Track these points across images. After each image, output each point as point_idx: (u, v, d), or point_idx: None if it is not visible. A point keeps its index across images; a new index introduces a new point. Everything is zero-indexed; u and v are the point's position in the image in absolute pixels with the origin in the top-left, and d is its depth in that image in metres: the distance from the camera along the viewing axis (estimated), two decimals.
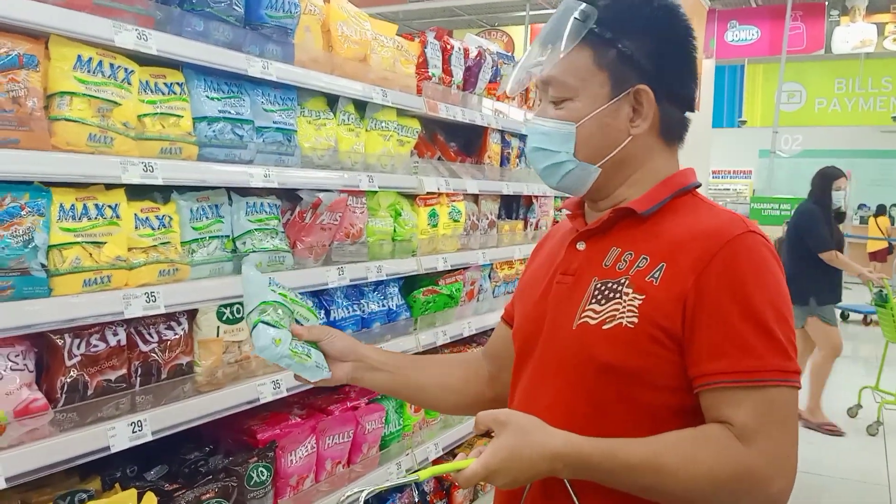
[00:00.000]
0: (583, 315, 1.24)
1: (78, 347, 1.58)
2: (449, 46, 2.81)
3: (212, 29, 1.81)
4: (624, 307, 1.20)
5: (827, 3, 13.77)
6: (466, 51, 2.93)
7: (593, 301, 1.24)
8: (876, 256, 15.04)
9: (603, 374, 1.21)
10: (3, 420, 1.43)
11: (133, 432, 1.65)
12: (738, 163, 17.75)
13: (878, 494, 4.76)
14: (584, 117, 1.25)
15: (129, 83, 1.64)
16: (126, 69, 1.63)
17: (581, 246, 1.33)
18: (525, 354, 1.37)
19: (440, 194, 2.79)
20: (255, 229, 1.98)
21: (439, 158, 2.94)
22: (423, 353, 2.91)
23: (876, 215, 15.25)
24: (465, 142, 3.21)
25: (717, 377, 1.13)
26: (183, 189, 1.85)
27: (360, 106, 2.43)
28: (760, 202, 8.95)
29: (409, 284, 2.72)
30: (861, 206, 16.74)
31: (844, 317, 11.40)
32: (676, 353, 1.17)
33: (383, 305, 2.52)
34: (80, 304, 1.54)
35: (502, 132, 3.27)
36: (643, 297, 1.19)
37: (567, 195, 1.41)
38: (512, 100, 3.38)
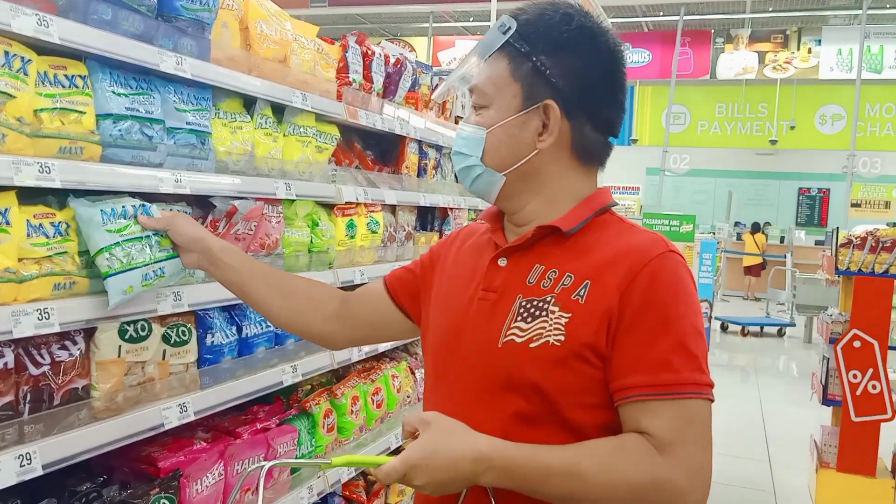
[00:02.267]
0: (508, 333, 1.25)
1: None
2: (370, 52, 2.71)
3: (121, 18, 1.64)
4: (550, 325, 1.22)
5: (713, 30, 14.55)
6: (387, 57, 2.84)
7: (519, 319, 1.25)
8: (751, 271, 15.97)
9: (531, 393, 1.22)
10: None
11: (21, 466, 1.45)
12: (627, 179, 18.43)
13: (764, 500, 4.97)
14: (494, 124, 1.29)
15: (26, 74, 1.45)
16: (23, 58, 1.44)
17: (503, 262, 1.33)
18: (441, 370, 1.37)
19: (358, 204, 2.68)
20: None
21: (357, 167, 2.83)
22: (338, 369, 2.79)
23: (752, 232, 16.19)
24: (382, 151, 3.11)
25: (636, 390, 1.17)
26: (82, 194, 1.66)
27: (278, 110, 2.29)
28: (651, 217, 9.25)
29: None
30: (737, 224, 17.74)
31: (724, 328, 11.99)
32: (602, 370, 1.20)
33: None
34: None
35: (420, 142, 3.19)
36: (569, 314, 1.21)
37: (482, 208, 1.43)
38: (430, 109, 3.31)
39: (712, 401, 1.21)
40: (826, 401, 5.06)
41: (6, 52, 1.40)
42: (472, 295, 1.34)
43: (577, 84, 1.27)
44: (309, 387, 2.70)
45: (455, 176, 3.69)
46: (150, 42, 1.73)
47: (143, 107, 1.73)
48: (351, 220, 2.61)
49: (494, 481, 1.16)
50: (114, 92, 1.66)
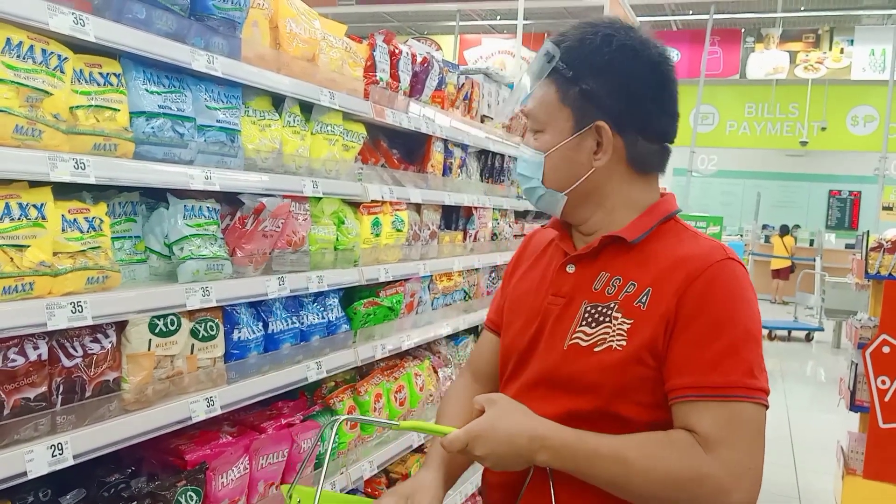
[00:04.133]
0: (573, 336, 1.34)
1: None
2: (397, 51, 2.72)
3: (154, 17, 1.66)
4: (613, 331, 1.30)
5: (743, 30, 14.38)
6: (414, 56, 2.85)
7: (584, 323, 1.34)
8: (779, 274, 15.76)
9: (589, 391, 1.30)
10: None
11: (53, 456, 1.48)
12: None
13: None
14: (550, 149, 1.38)
15: (63, 71, 1.48)
16: (59, 56, 1.47)
17: (571, 269, 1.42)
18: (517, 369, 1.46)
19: (384, 203, 2.69)
20: (193, 234, 1.84)
21: (383, 165, 2.85)
22: (361, 367, 2.81)
23: (781, 235, 15.98)
24: (408, 150, 3.13)
25: (685, 391, 1.24)
26: (114, 189, 1.70)
27: (306, 108, 2.31)
28: None
29: (347, 296, 2.61)
30: (766, 226, 17.53)
31: None
32: (657, 370, 1.27)
33: (323, 318, 2.40)
34: None
35: (446, 141, 3.20)
36: (631, 321, 1.29)
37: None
38: (456, 108, 3.31)
39: (766, 406, 1.25)
40: (854, 407, 4.99)
41: (43, 51, 1.44)
42: (542, 299, 1.43)
43: (624, 102, 1.33)
44: (333, 383, 2.72)
45: (480, 175, 3.69)
46: (183, 41, 1.75)
47: (176, 104, 1.76)
48: (376, 218, 2.62)
49: (548, 460, 1.25)
50: (147, 90, 1.69)
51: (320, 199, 2.34)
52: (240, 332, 2.04)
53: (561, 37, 1.38)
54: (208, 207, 1.92)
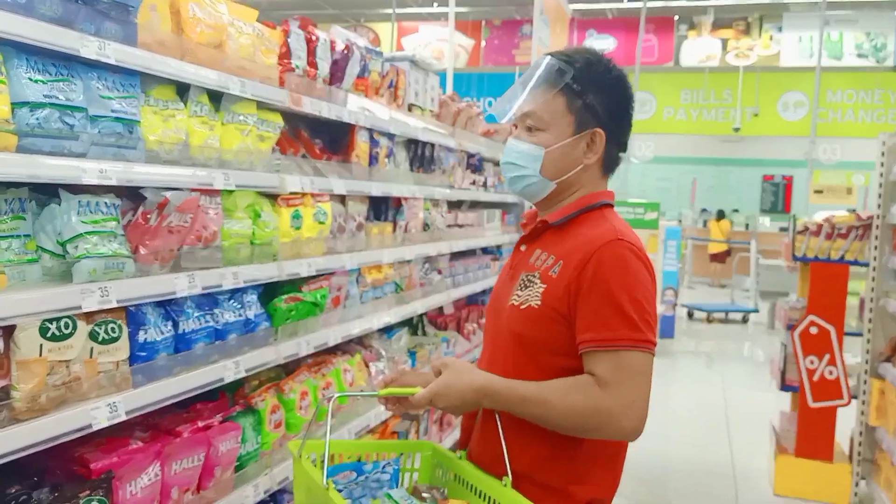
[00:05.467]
0: (512, 298, 1.72)
1: None
2: (314, 38, 2.63)
3: (37, 1, 1.55)
4: (533, 293, 1.67)
5: (677, 17, 14.61)
6: (333, 43, 2.77)
7: (518, 288, 1.72)
8: (716, 258, 16.12)
9: (519, 343, 1.68)
10: None
11: None
12: None
13: (724, 485, 5.01)
14: (553, 146, 1.70)
15: None
16: None
17: (523, 248, 1.81)
18: (488, 324, 1.87)
19: (304, 195, 2.61)
20: (89, 232, 1.74)
21: (303, 156, 2.76)
22: (288, 364, 2.73)
23: (717, 219, 16.34)
24: (331, 139, 3.04)
25: (586, 343, 1.58)
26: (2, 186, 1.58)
27: (216, 97, 2.21)
28: (617, 205, 9.29)
29: (269, 292, 2.52)
30: (703, 211, 17.90)
31: (690, 315, 12.11)
32: (566, 326, 1.62)
33: (240, 315, 2.31)
34: None
35: (371, 130, 3.13)
36: (545, 286, 1.65)
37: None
38: (381, 97, 3.24)
39: (652, 353, 1.58)
40: (784, 386, 5.12)
41: None
42: (504, 273, 1.86)
43: (614, 116, 1.71)
44: (256, 382, 2.63)
45: (410, 164, 3.63)
46: (70, 26, 1.64)
47: (64, 94, 1.65)
48: (297, 210, 2.54)
49: (490, 405, 1.65)
50: (31, 79, 1.58)
51: (233, 191, 2.25)
52: (146, 334, 1.95)
53: (568, 58, 1.69)
54: (106, 203, 1.81)
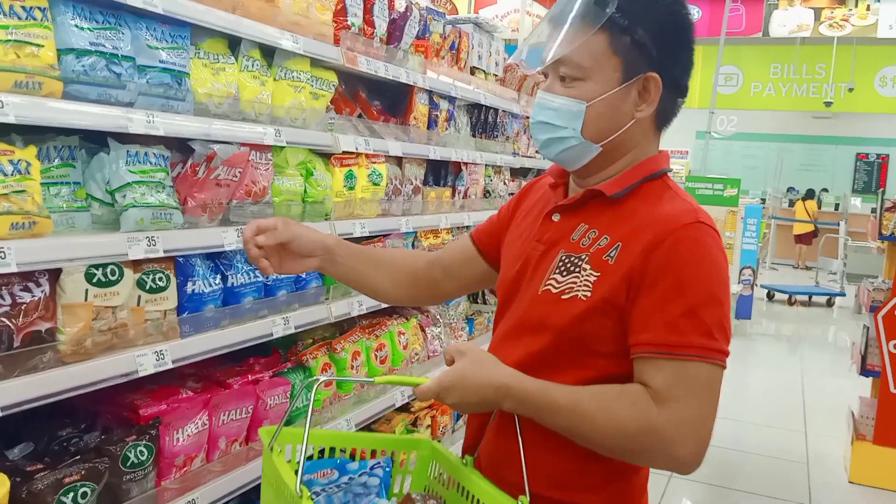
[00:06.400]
0: (546, 282, 1.38)
1: None
2: None
3: None
4: (581, 281, 1.33)
5: None
6: (391, 2, 2.72)
7: (556, 271, 1.37)
8: (802, 239, 15.44)
9: (556, 338, 1.35)
10: None
11: None
12: (675, 143, 17.93)
13: (798, 470, 4.82)
14: (595, 98, 1.34)
15: None
16: None
17: (556, 217, 1.44)
18: (503, 309, 1.51)
19: (359, 154, 2.59)
20: (137, 181, 1.76)
21: (360, 116, 2.74)
22: (342, 324, 2.74)
23: (804, 199, 15.62)
24: (391, 101, 3.01)
25: (643, 347, 1.27)
26: (44, 131, 1.61)
27: (268, 52, 2.20)
28: (694, 181, 8.96)
29: None
30: (790, 190, 17.14)
31: (770, 296, 11.66)
32: (618, 322, 1.30)
33: None
34: None
35: (430, 93, 3.08)
36: (598, 273, 1.32)
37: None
38: (442, 59, 3.18)
39: (723, 367, 1.26)
40: (864, 371, 4.86)
41: None
42: (528, 245, 1.47)
43: (671, 54, 1.35)
44: (310, 340, 2.66)
45: (472, 130, 3.57)
46: None
47: (111, 42, 1.67)
48: (350, 170, 2.53)
49: (512, 408, 1.31)
50: (77, 26, 1.60)
51: (284, 147, 2.25)
52: (194, 285, 1.97)
53: None
54: (155, 153, 1.83)
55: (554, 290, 1.36)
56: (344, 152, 2.50)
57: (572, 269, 1.35)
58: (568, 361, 1.34)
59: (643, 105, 1.36)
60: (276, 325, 2.23)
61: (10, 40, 1.46)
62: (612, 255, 1.31)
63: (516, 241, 1.53)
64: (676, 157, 18.21)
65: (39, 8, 1.53)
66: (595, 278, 1.31)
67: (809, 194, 15.80)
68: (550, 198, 1.50)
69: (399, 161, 2.93)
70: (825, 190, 16.96)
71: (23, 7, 1.50)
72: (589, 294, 1.31)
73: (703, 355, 1.24)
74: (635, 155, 1.41)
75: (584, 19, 1.31)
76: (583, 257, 1.34)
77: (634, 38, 1.32)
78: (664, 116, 1.41)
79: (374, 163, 2.69)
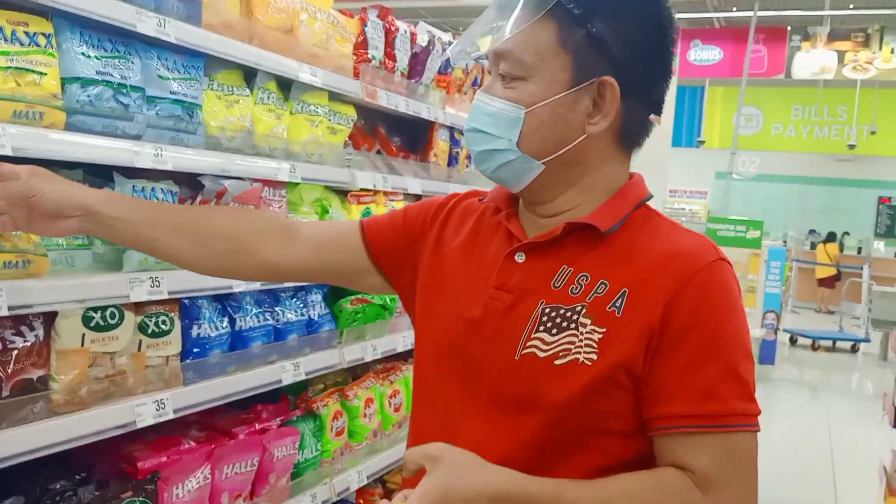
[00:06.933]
0: (528, 344, 1.09)
1: None
2: (393, 28, 2.51)
3: None
4: (581, 340, 1.06)
5: (789, 28, 13.91)
6: (413, 35, 2.64)
7: (541, 329, 1.09)
8: (824, 283, 15.19)
9: (550, 417, 1.07)
10: None
11: None
12: (693, 183, 17.81)
13: None
14: (537, 103, 1.09)
15: None
16: None
17: (520, 258, 1.15)
18: (440, 371, 1.19)
19: (376, 192, 2.49)
20: None
21: (378, 152, 2.64)
22: (355, 369, 2.61)
23: (825, 242, 15.40)
24: (410, 137, 2.92)
25: (678, 420, 1.04)
26: (46, 164, 1.51)
27: (285, 85, 2.12)
28: (716, 222, 8.83)
29: (335, 292, 2.40)
30: (811, 232, 16.94)
31: (793, 341, 11.42)
32: (633, 392, 1.06)
33: (302, 315, 2.20)
34: None
35: (451, 129, 2.98)
36: (604, 329, 1.06)
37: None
38: (464, 94, 3.10)
39: (759, 431, 1.09)
40: None
41: None
42: (480, 291, 1.16)
43: (637, 56, 1.09)
44: (321, 386, 2.53)
45: None
46: (128, 0, 1.57)
47: (119, 71, 1.58)
48: (367, 208, 2.42)
49: None
50: (83, 53, 1.51)
51: (299, 184, 2.15)
52: (200, 329, 1.86)
53: None
54: (162, 189, 1.73)
55: (541, 354, 1.07)
56: (361, 189, 2.40)
57: (565, 325, 1.07)
58: (568, 446, 1.08)
59: (597, 116, 1.10)
60: (286, 372, 2.11)
61: (10, 67, 1.37)
62: (618, 304, 1.06)
63: (456, 283, 1.21)
64: (695, 196, 18.09)
65: (43, 34, 1.44)
66: (600, 336, 1.05)
67: (830, 237, 15.58)
68: (498, 230, 1.22)
69: (418, 199, 2.82)
70: (847, 233, 16.74)
71: (25, 32, 1.41)
72: (595, 357, 1.05)
73: (748, 423, 1.05)
74: (596, 179, 1.15)
75: (528, 5, 1.08)
76: (577, 309, 1.07)
77: (590, 31, 1.07)
78: (629, 134, 1.15)
79: (393, 200, 2.59)
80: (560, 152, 1.11)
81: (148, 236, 1.28)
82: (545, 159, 1.12)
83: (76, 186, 1.26)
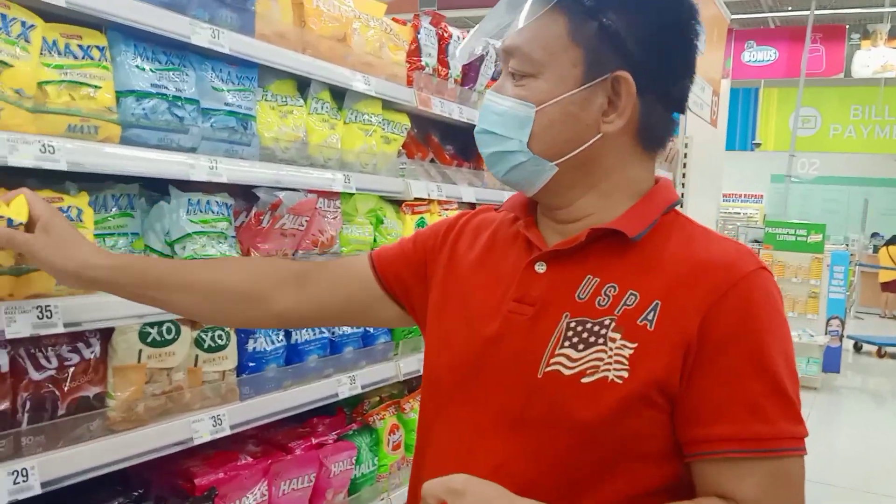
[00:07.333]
0: (552, 361, 1.01)
1: None
2: (447, 34, 2.47)
3: None
4: (610, 356, 0.98)
5: (848, 26, 13.49)
6: None
7: (566, 344, 1.01)
8: (889, 287, 14.63)
9: (577, 438, 0.99)
10: None
11: (15, 483, 1.28)
12: (748, 187, 17.40)
13: None
14: (547, 101, 1.03)
15: (28, 41, 1.29)
16: (24, 23, 1.29)
17: (541, 268, 1.08)
18: (455, 391, 1.11)
19: (431, 201, 2.44)
20: (198, 232, 1.64)
21: (432, 161, 2.60)
22: (411, 381, 2.56)
23: (888, 245, 14.86)
24: (464, 145, 2.87)
25: (721, 444, 0.96)
26: (102, 179, 1.51)
27: (338, 95, 2.08)
28: (775, 226, 8.57)
29: None
30: (874, 235, 16.38)
31: (857, 348, 11.02)
32: (669, 412, 0.98)
33: (358, 327, 2.16)
34: None
35: None
36: (635, 344, 0.98)
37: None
38: None
39: (806, 454, 1.00)
40: None
41: (3, 16, 1.25)
42: (498, 304, 1.09)
43: (654, 50, 1.03)
44: (377, 399, 2.48)
45: None
46: (183, 11, 1.55)
47: (174, 84, 1.56)
48: (422, 218, 2.37)
49: None
50: (138, 66, 1.50)
51: (353, 195, 2.11)
52: (256, 342, 1.83)
53: None
54: (218, 202, 1.71)
55: (567, 372, 1.00)
56: (415, 199, 2.36)
57: (592, 339, 1.00)
58: (597, 471, 1.00)
59: (612, 115, 1.03)
60: (342, 385, 2.07)
61: (64, 81, 1.35)
62: (650, 317, 0.99)
63: (471, 299, 1.15)
64: (750, 200, 17.67)
65: (98, 47, 1.43)
66: (631, 352, 0.97)
67: (894, 240, 15.02)
68: (516, 240, 1.15)
69: (472, 207, 2.76)
70: None
71: (80, 46, 1.40)
72: (626, 374, 0.97)
73: (797, 447, 0.96)
74: (617, 182, 1.08)
75: None
76: (605, 322, 1.00)
77: (602, 24, 1.00)
78: (649, 134, 1.07)
79: (447, 209, 2.53)
80: (574, 153, 1.05)
81: (156, 298, 1.28)
82: (558, 160, 1.05)
83: (78, 250, 1.21)
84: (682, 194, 5.36)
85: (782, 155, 12.47)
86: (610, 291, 1.02)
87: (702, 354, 0.96)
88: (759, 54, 13.47)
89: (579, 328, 1.01)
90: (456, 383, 1.11)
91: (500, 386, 1.05)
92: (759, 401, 0.95)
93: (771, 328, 0.98)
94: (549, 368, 1.01)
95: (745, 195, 17.55)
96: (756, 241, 9.57)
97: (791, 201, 14.08)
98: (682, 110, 1.11)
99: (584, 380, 0.98)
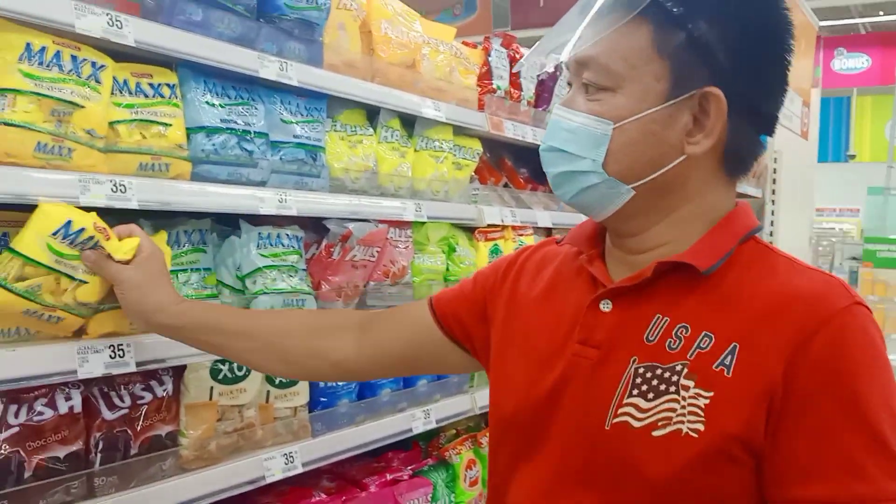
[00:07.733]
0: (620, 412, 0.93)
1: (16, 416, 1.23)
2: (518, 56, 2.42)
3: (213, 19, 1.47)
4: (683, 407, 0.89)
5: None
6: (540, 61, 2.53)
7: (635, 392, 0.92)
8: None
9: (650, 497, 0.90)
10: None
11: None
12: (843, 200, 16.59)
13: None
14: (626, 118, 0.94)
15: (98, 81, 1.30)
16: (94, 63, 1.30)
17: (606, 307, 0.99)
18: (525, 445, 1.03)
19: (504, 227, 2.38)
20: (268, 266, 1.62)
21: (505, 185, 2.54)
22: (481, 415, 2.49)
23: None
24: (537, 168, 2.78)
25: None
26: (175, 214, 1.51)
27: (408, 122, 2.05)
28: (875, 243, 8.09)
29: None
30: None
31: None
32: (753, 469, 0.88)
33: None
34: (15, 361, 1.19)
35: None
36: (711, 393, 0.88)
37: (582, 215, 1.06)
38: None
39: None
40: None
41: (74, 58, 1.26)
42: (562, 346, 1.01)
43: (746, 65, 0.93)
44: (453, 432, 2.42)
45: None
46: (251, 46, 1.55)
47: (243, 118, 1.55)
48: (496, 244, 2.31)
49: None
50: (208, 102, 1.50)
51: (425, 223, 2.06)
52: None
53: None
54: (288, 235, 1.69)
55: (636, 424, 0.91)
56: (489, 225, 2.30)
57: (663, 387, 0.91)
58: None
59: (698, 135, 0.94)
60: (416, 420, 2.01)
61: (135, 120, 1.36)
62: (727, 362, 0.89)
63: (532, 342, 1.07)
64: (845, 214, 16.83)
65: (168, 85, 1.43)
66: (707, 401, 0.88)
67: None
68: (580, 276, 1.06)
69: (548, 232, 2.68)
70: None
71: (150, 84, 1.41)
72: (702, 428, 0.87)
73: None
74: (695, 209, 0.98)
75: (616, 2, 0.93)
76: (677, 368, 0.91)
77: (691, 34, 0.92)
78: (736, 157, 0.98)
79: (522, 235, 2.46)
80: (653, 176, 0.95)
81: (216, 344, 1.28)
82: (636, 184, 0.96)
83: (157, 294, 1.24)
84: (773, 211, 5.12)
85: (879, 166, 11.82)
86: (681, 332, 0.93)
87: (789, 403, 0.86)
88: (851, 62, 12.89)
89: (648, 375, 0.92)
90: (521, 433, 1.05)
91: (565, 437, 0.98)
92: (857, 457, 0.84)
93: (870, 372, 0.86)
94: (616, 420, 0.93)
95: (839, 209, 16.73)
96: (854, 259, 9.06)
97: (890, 215, 13.33)
98: (770, 132, 1.01)
99: (655, 433, 0.90)
